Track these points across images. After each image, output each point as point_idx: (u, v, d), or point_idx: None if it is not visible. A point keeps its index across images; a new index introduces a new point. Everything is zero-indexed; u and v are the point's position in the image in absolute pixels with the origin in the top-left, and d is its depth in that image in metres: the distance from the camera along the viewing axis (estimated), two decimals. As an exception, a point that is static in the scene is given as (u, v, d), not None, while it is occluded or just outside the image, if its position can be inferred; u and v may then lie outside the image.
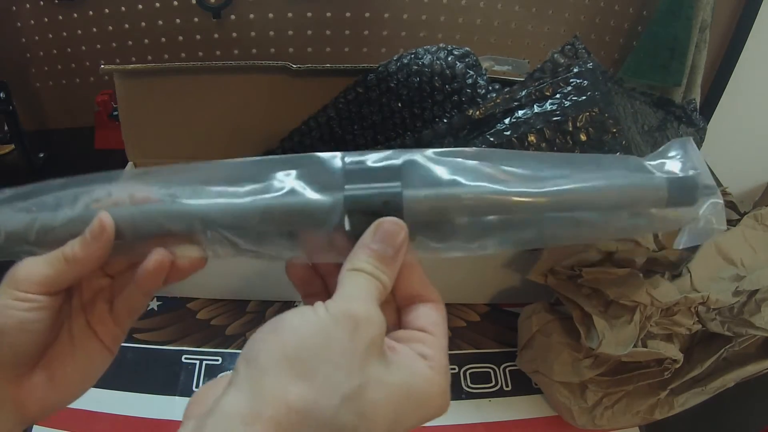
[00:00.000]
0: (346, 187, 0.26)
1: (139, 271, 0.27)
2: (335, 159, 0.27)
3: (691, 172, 0.28)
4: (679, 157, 0.28)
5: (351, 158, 0.27)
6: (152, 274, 0.27)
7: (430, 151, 0.28)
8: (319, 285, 0.30)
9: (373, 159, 0.27)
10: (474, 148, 0.29)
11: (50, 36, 0.82)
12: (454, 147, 0.51)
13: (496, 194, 0.26)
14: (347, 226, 0.26)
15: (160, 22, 0.82)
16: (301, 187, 0.27)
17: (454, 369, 0.57)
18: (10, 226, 0.28)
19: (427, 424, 0.51)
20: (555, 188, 0.26)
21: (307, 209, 0.26)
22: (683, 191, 0.27)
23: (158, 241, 0.27)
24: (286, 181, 0.27)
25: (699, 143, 0.72)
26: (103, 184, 0.29)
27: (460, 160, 0.28)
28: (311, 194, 0.27)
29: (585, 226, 0.27)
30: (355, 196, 0.26)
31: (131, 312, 0.30)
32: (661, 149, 0.29)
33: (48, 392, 0.28)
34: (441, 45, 0.57)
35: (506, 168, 0.27)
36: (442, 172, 0.27)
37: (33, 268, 0.26)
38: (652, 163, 0.29)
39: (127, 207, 0.28)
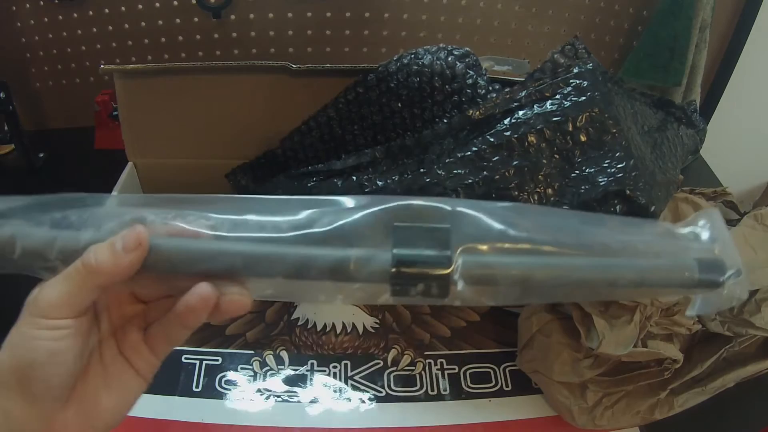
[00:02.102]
0: (395, 250, 0.26)
1: (180, 304, 0.26)
2: (383, 213, 0.27)
3: (716, 247, 0.29)
4: (705, 232, 0.30)
5: (400, 212, 0.27)
6: (195, 310, 0.25)
7: (479, 204, 0.28)
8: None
9: (423, 217, 0.27)
10: (521, 204, 0.30)
11: (50, 36, 0.82)
12: (454, 147, 0.51)
13: (543, 268, 0.27)
14: (390, 288, 0.26)
15: (160, 22, 0.82)
16: (347, 235, 0.27)
17: (454, 369, 0.57)
18: (28, 242, 0.26)
19: (428, 424, 0.52)
20: (597, 265, 0.27)
21: (351, 264, 0.26)
22: (712, 275, 0.28)
23: (198, 279, 0.26)
24: (333, 226, 0.27)
25: (699, 144, 0.72)
26: (134, 209, 0.28)
27: (506, 216, 0.28)
28: (356, 248, 0.26)
29: (620, 290, 0.28)
30: (403, 260, 0.26)
31: (169, 342, 0.28)
32: (689, 219, 0.31)
33: (82, 426, 0.26)
34: (441, 45, 0.57)
35: (551, 226, 0.28)
36: (490, 234, 0.27)
37: (52, 290, 0.25)
38: (683, 231, 0.30)
39: (164, 238, 0.26)
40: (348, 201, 0.28)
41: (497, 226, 0.27)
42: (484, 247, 0.27)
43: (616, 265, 0.28)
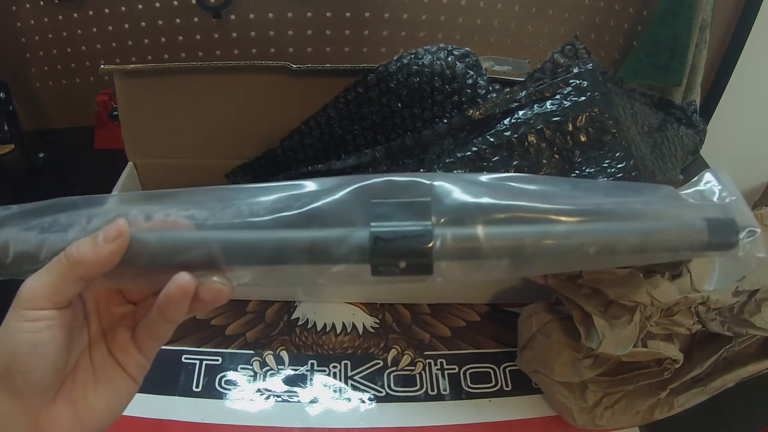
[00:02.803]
0: (372, 226, 0.25)
1: (160, 296, 0.26)
2: (360, 191, 0.26)
3: (728, 202, 0.27)
4: (713, 189, 0.28)
5: (378, 189, 0.26)
6: (175, 300, 0.25)
7: (460, 176, 0.26)
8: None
9: (402, 191, 0.26)
10: (505, 174, 0.28)
11: (50, 36, 0.82)
12: (454, 147, 0.51)
13: (530, 237, 0.25)
14: (370, 267, 0.25)
15: (160, 22, 0.82)
16: (324, 216, 0.26)
17: (454, 369, 0.57)
18: (19, 246, 0.27)
19: (428, 424, 0.52)
20: (593, 230, 0.25)
21: (327, 243, 0.25)
22: (723, 236, 0.26)
23: (178, 269, 0.26)
24: (310, 207, 0.26)
25: (699, 144, 0.72)
26: (118, 206, 0.28)
27: (490, 186, 0.26)
28: (335, 228, 0.25)
29: (621, 256, 0.26)
30: (381, 236, 0.24)
31: (155, 339, 0.29)
32: (694, 180, 0.28)
33: (72, 425, 0.26)
34: (441, 45, 0.57)
35: (538, 193, 0.26)
36: (473, 205, 0.25)
37: (34, 281, 0.25)
38: (687, 191, 0.28)
39: (145, 232, 0.26)
40: (324, 181, 0.27)
41: (480, 196, 0.26)
42: (466, 219, 0.25)
43: (615, 229, 0.25)
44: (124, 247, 0.25)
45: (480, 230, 0.25)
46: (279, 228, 0.26)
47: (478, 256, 0.25)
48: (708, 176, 0.28)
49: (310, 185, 0.27)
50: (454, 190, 0.26)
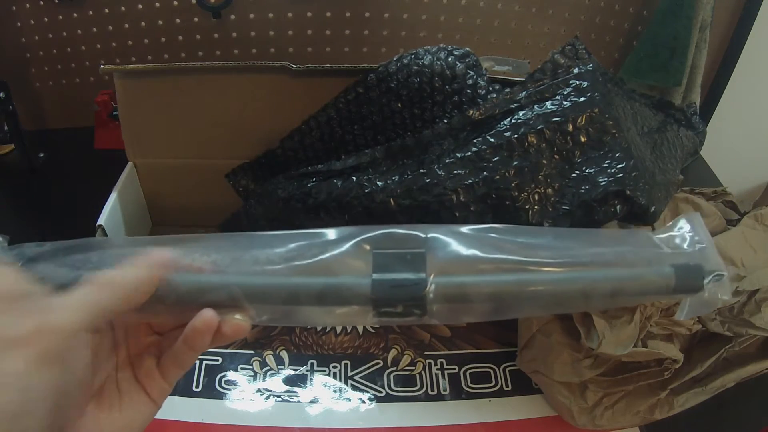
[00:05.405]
0: (374, 276, 0.28)
1: (187, 328, 0.29)
2: (364, 242, 0.30)
3: (696, 253, 0.29)
4: (685, 235, 0.31)
5: (379, 240, 0.30)
6: (200, 333, 0.28)
7: (451, 228, 0.30)
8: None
9: (400, 243, 0.29)
10: (492, 225, 0.31)
11: (50, 36, 0.82)
12: (454, 148, 0.51)
13: (512, 285, 0.28)
14: (372, 310, 0.28)
15: (160, 22, 0.82)
16: (332, 265, 0.29)
17: (454, 369, 0.57)
18: (54, 282, 0.29)
19: (428, 424, 0.52)
20: (568, 279, 0.29)
21: (335, 291, 0.28)
22: (689, 281, 0.29)
23: (203, 307, 0.29)
24: (320, 258, 0.30)
25: (699, 146, 0.72)
26: (148, 248, 0.31)
27: (478, 239, 0.30)
28: (342, 275, 0.29)
29: (595, 301, 0.29)
30: (382, 284, 0.28)
31: (179, 366, 0.31)
32: (669, 225, 0.31)
33: None
34: (441, 45, 0.57)
35: (522, 245, 0.30)
36: (463, 256, 0.29)
37: (66, 297, 0.27)
38: (661, 236, 0.31)
39: (173, 273, 0.29)
40: (332, 232, 0.31)
41: (469, 247, 0.29)
42: (457, 268, 0.29)
43: (588, 277, 0.29)
44: (158, 277, 0.28)
45: (468, 279, 0.28)
46: (293, 275, 0.29)
47: (467, 302, 0.28)
48: (682, 222, 0.31)
49: (320, 237, 0.31)
50: (446, 242, 0.30)
